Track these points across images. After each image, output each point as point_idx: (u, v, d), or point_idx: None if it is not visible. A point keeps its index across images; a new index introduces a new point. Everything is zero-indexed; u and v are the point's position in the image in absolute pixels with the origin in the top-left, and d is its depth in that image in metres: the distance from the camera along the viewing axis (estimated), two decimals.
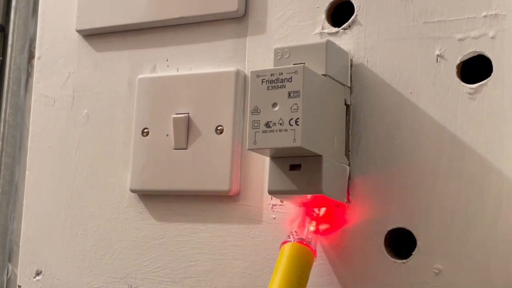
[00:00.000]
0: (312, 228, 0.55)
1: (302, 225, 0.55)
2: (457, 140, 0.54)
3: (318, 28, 0.61)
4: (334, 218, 0.57)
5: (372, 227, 0.56)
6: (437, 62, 0.56)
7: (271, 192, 0.55)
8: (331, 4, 0.61)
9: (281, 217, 0.60)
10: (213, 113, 0.63)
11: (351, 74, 0.59)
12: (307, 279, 0.53)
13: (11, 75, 0.81)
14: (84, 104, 0.71)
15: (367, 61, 0.58)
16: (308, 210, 0.57)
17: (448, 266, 0.53)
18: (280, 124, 0.51)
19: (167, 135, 0.65)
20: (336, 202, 0.57)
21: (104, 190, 0.68)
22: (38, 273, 0.71)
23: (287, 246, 0.53)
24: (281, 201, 0.60)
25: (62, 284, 0.69)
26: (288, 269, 0.52)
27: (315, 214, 0.57)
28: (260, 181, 0.61)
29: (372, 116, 0.57)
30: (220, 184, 0.62)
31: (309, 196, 0.54)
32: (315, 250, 0.54)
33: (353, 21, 0.59)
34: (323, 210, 0.57)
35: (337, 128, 0.56)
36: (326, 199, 0.54)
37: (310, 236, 0.54)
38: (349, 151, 0.58)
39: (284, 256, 0.53)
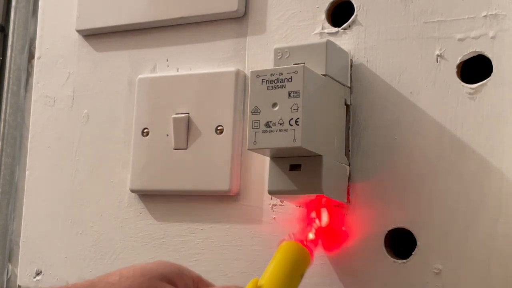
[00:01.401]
0: (311, 235, 0.55)
1: (303, 230, 0.55)
2: (457, 140, 0.54)
3: (318, 28, 0.61)
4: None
5: (372, 227, 0.56)
6: (437, 62, 0.56)
7: (271, 192, 0.55)
8: (331, 4, 0.61)
9: (281, 217, 0.60)
10: (213, 113, 0.63)
11: (351, 74, 0.59)
12: (302, 274, 0.52)
13: (11, 75, 0.81)
14: (84, 104, 0.71)
15: (367, 61, 0.58)
16: (310, 220, 0.57)
17: (448, 266, 0.53)
18: (280, 124, 0.51)
19: (167, 135, 0.65)
20: (336, 202, 0.57)
21: (104, 190, 0.68)
22: (38, 273, 0.71)
23: (284, 243, 0.53)
24: (281, 201, 0.60)
25: (62, 284, 0.69)
26: (280, 262, 0.52)
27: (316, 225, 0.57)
28: (260, 181, 0.61)
29: (372, 116, 0.57)
30: (220, 184, 0.62)
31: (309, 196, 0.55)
32: (313, 251, 0.54)
33: (353, 21, 0.59)
34: (324, 220, 0.57)
35: (337, 128, 0.56)
36: (326, 198, 0.55)
37: (308, 238, 0.54)
38: (349, 151, 0.58)
39: (279, 251, 0.53)
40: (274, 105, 0.52)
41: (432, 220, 0.54)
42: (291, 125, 0.51)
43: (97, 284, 0.47)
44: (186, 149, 0.64)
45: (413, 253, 0.55)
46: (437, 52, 0.56)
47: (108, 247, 0.67)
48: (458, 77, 0.55)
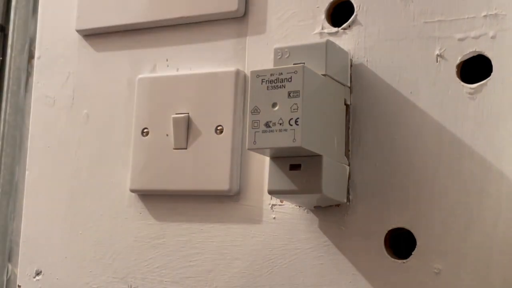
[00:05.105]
0: None
1: None
2: (457, 140, 0.54)
3: (318, 28, 0.61)
4: None
5: (372, 227, 0.56)
6: (437, 62, 0.56)
7: (271, 192, 0.55)
8: (331, 4, 0.61)
9: (281, 217, 0.60)
10: (213, 113, 0.63)
11: (351, 74, 0.59)
12: None
13: (11, 75, 0.81)
14: (84, 104, 0.71)
15: (367, 61, 0.58)
16: None
17: (448, 266, 0.53)
18: (280, 124, 0.51)
19: (167, 135, 0.65)
20: (336, 202, 0.57)
21: (104, 190, 0.68)
22: (38, 273, 0.71)
23: None
24: (281, 201, 0.60)
25: (62, 284, 0.69)
26: None
27: None
28: (260, 181, 0.61)
29: (372, 116, 0.57)
30: (220, 184, 0.62)
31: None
32: None
33: (353, 21, 0.59)
34: None
35: (337, 128, 0.56)
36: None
37: None
38: (349, 151, 0.58)
39: None
40: (274, 105, 0.52)
41: (432, 220, 0.54)
42: (291, 125, 0.51)
43: None
44: (186, 149, 0.64)
45: (413, 253, 0.55)
46: (437, 52, 0.56)
47: (108, 247, 0.67)
48: (458, 77, 0.55)
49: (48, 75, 0.74)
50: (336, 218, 0.58)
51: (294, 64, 0.55)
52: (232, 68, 0.63)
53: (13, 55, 0.81)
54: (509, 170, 0.52)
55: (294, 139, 0.51)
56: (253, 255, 0.61)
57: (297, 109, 0.51)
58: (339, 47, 0.58)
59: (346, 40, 0.59)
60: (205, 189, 0.63)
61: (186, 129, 0.64)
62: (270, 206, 0.61)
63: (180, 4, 0.66)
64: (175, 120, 0.64)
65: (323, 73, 0.55)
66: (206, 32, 0.66)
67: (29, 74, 0.81)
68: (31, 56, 0.81)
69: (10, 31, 0.81)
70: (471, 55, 0.55)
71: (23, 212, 0.73)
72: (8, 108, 0.80)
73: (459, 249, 0.53)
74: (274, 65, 0.56)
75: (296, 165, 0.54)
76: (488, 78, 0.54)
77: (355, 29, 0.59)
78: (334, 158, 0.55)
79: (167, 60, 0.67)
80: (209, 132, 0.63)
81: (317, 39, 0.60)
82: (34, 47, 0.78)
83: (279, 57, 0.56)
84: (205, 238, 0.63)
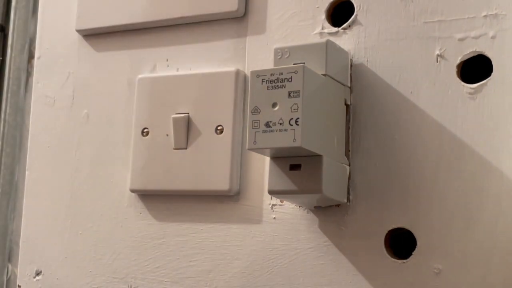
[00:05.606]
0: None
1: None
2: (457, 140, 0.54)
3: (318, 28, 0.61)
4: None
5: (372, 227, 0.56)
6: (437, 62, 0.56)
7: (271, 192, 0.55)
8: (331, 4, 0.61)
9: (281, 217, 0.60)
10: (213, 113, 0.63)
11: (351, 74, 0.59)
12: None
13: (11, 75, 0.81)
14: (84, 104, 0.71)
15: (367, 61, 0.58)
16: None
17: (448, 266, 0.53)
18: (280, 124, 0.51)
19: (167, 135, 0.65)
20: (336, 202, 0.57)
21: (104, 190, 0.68)
22: (38, 273, 0.71)
23: None
24: (281, 201, 0.60)
25: (62, 284, 0.69)
26: None
27: None
28: (260, 181, 0.61)
29: (372, 116, 0.57)
30: (220, 184, 0.62)
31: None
32: None
33: (353, 21, 0.59)
34: None
35: (337, 128, 0.56)
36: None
37: None
38: (349, 151, 0.58)
39: None
40: (274, 105, 0.52)
41: (432, 220, 0.54)
42: (291, 125, 0.51)
43: None
44: (186, 149, 0.64)
45: (413, 253, 0.55)
46: (437, 52, 0.56)
47: (108, 247, 0.67)
48: (458, 77, 0.55)
49: (48, 75, 0.74)
50: (336, 218, 0.58)
51: (294, 64, 0.55)
52: (232, 68, 0.63)
53: (13, 55, 0.81)
54: (509, 170, 0.52)
55: (294, 139, 0.51)
56: (253, 255, 0.61)
57: (297, 109, 0.51)
58: (339, 47, 0.58)
59: (346, 40, 0.59)
60: (205, 189, 0.63)
61: (186, 129, 0.64)
62: (270, 206, 0.61)
63: (180, 4, 0.66)
64: (175, 120, 0.64)
65: (323, 73, 0.55)
66: (206, 32, 0.66)
67: (29, 74, 0.81)
68: (31, 56, 0.81)
69: (10, 31, 0.81)
70: (471, 55, 0.55)
71: (23, 212, 0.73)
72: (8, 108, 0.80)
73: (459, 249, 0.53)
74: (274, 65, 0.56)
75: (296, 165, 0.54)
76: (488, 78, 0.54)
77: (355, 29, 0.59)
78: (334, 158, 0.55)
79: (167, 60, 0.67)
80: (209, 132, 0.63)
81: (317, 39, 0.60)
82: (34, 47, 0.78)
83: (279, 57, 0.56)
84: (205, 238, 0.63)
